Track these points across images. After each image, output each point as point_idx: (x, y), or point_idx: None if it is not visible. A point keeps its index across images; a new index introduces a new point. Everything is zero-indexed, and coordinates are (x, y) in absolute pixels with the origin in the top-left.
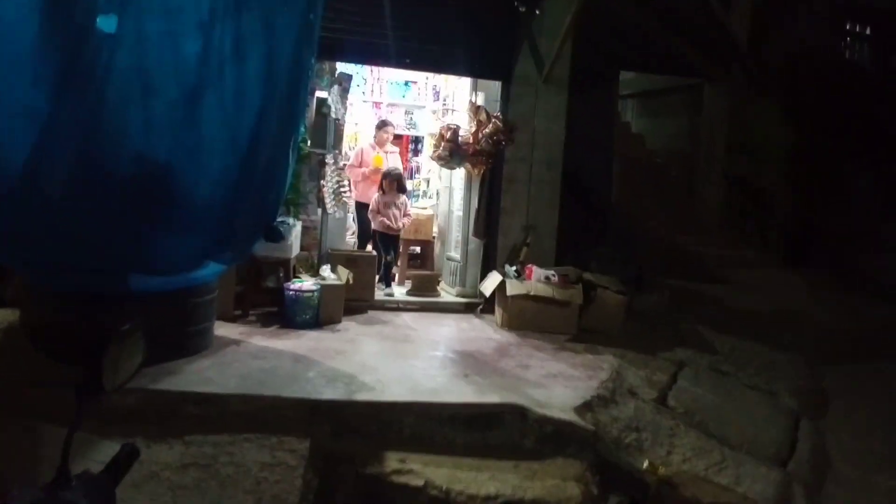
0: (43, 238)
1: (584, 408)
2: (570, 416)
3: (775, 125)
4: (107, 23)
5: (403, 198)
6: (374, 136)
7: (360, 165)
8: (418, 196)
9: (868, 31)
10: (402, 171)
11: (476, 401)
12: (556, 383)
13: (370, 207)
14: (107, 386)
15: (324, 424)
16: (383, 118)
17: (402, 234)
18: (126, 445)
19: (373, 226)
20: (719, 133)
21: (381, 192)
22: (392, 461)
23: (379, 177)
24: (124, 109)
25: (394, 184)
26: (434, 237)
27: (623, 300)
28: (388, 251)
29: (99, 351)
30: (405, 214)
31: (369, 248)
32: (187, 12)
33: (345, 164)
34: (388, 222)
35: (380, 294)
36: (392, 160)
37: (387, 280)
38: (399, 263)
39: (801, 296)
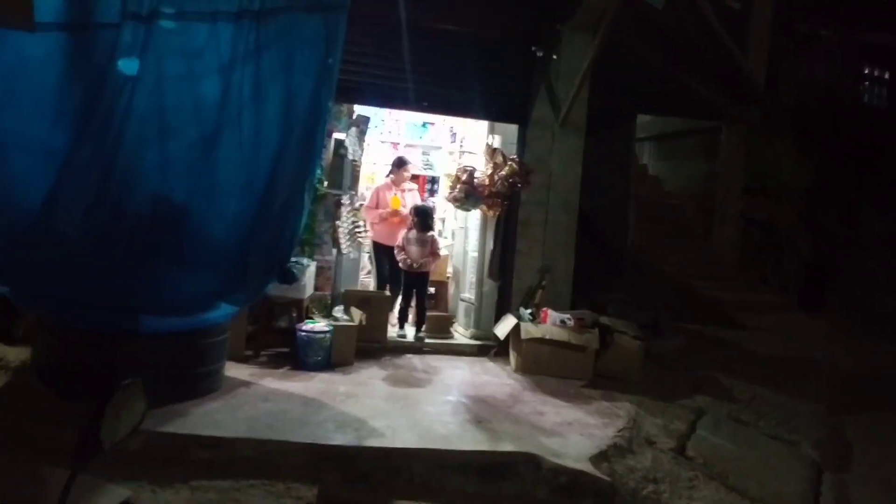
0: (58, 275)
1: (601, 457)
2: (586, 466)
3: (792, 167)
4: (128, 65)
5: (432, 234)
6: (392, 175)
7: (377, 206)
8: None
9: (884, 72)
10: (430, 207)
11: (489, 449)
12: (572, 431)
13: (397, 243)
14: (105, 444)
15: (333, 471)
16: (400, 156)
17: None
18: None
19: (399, 263)
20: (736, 175)
21: (408, 229)
22: None
23: (397, 219)
24: (143, 150)
25: (418, 220)
26: (448, 277)
27: (641, 346)
28: (409, 291)
29: (98, 409)
30: (431, 253)
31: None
32: (208, 55)
33: (361, 205)
34: (409, 260)
35: (392, 334)
36: (410, 199)
37: (401, 320)
38: (413, 304)
39: (820, 340)
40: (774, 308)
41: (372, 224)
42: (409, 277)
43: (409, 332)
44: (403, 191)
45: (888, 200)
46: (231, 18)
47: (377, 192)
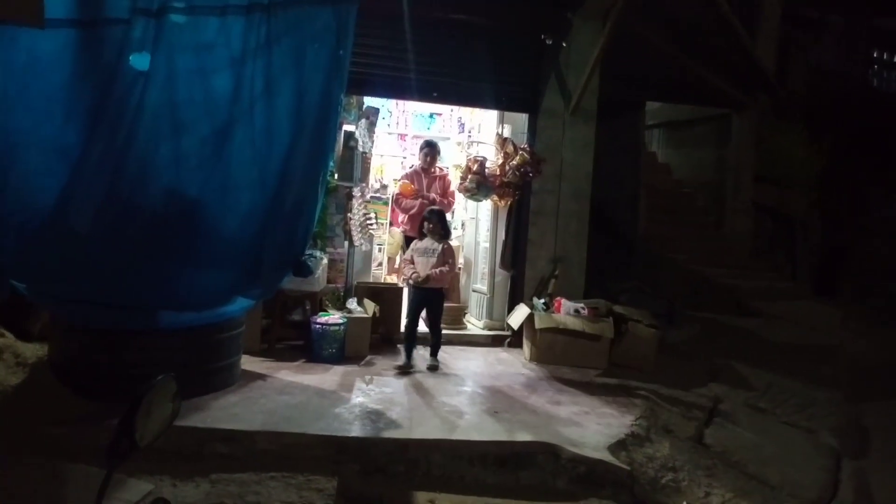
0: (72, 274)
1: (619, 446)
2: (604, 456)
3: (803, 154)
4: (139, 60)
5: (447, 243)
6: (420, 161)
7: (416, 192)
8: None
9: (893, 56)
10: (442, 210)
11: (507, 439)
12: (589, 420)
13: (405, 256)
14: (140, 443)
15: (351, 463)
16: (430, 140)
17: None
18: (157, 501)
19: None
20: (747, 162)
21: (419, 236)
22: (421, 502)
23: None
24: (155, 146)
25: (436, 226)
26: (460, 268)
27: (656, 334)
28: (415, 312)
29: (131, 409)
30: (444, 263)
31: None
32: (219, 49)
33: (371, 197)
34: (418, 273)
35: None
36: (440, 185)
37: (408, 349)
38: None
39: (834, 327)
40: (788, 295)
41: (410, 217)
42: (418, 294)
43: (418, 361)
44: (435, 176)
45: None
46: (241, 12)
47: (411, 179)
